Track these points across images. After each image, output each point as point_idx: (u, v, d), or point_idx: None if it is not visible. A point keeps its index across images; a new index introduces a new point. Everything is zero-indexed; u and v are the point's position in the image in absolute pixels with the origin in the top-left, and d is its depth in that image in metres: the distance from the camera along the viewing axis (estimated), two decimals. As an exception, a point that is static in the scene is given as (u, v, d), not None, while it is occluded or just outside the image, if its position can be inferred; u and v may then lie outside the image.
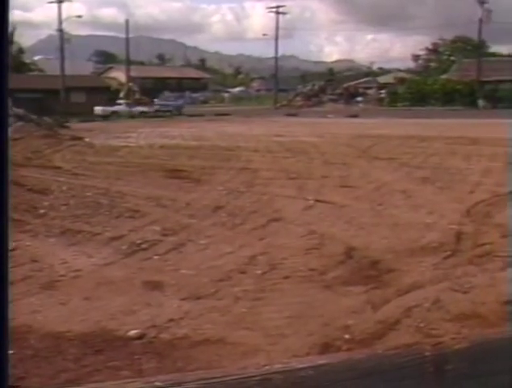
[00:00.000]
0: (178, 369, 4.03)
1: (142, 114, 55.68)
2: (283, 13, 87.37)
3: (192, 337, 4.66)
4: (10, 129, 1.70)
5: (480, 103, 73.58)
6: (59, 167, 15.13)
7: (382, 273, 6.27)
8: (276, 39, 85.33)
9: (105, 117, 51.23)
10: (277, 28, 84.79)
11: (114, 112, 55.29)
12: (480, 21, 77.60)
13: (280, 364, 3.67)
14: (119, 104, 59.39)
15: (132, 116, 51.90)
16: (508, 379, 3.56)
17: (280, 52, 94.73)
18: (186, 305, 5.39)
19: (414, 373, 3.52)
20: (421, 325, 4.84)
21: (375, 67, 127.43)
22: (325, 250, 7.22)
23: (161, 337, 4.66)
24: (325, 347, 4.41)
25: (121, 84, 72.91)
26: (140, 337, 4.64)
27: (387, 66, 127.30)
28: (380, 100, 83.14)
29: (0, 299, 1.32)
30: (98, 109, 56.08)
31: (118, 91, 67.21)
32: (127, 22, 74.18)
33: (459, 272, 6.28)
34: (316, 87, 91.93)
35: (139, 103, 60.76)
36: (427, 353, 3.62)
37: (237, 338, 4.64)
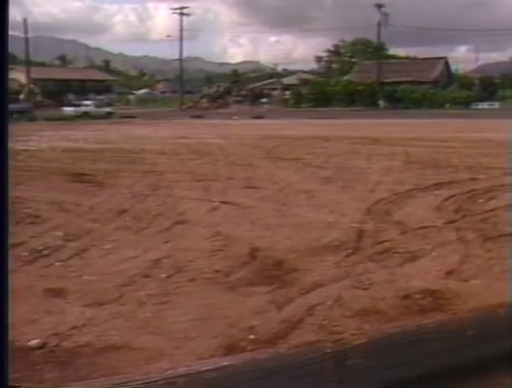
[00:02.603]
0: (82, 378, 3.96)
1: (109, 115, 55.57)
2: (187, 14, 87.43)
3: (96, 344, 4.59)
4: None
5: (381, 103, 75.82)
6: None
7: (285, 273, 6.36)
8: (180, 40, 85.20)
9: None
10: (181, 30, 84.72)
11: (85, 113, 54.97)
12: (379, 24, 79.84)
13: (184, 367, 3.69)
14: (87, 105, 58.72)
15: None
16: (403, 371, 3.71)
17: (185, 54, 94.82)
18: (89, 311, 5.30)
19: (316, 370, 3.62)
20: (324, 323, 4.95)
21: (279, 68, 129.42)
22: (229, 251, 7.26)
23: (63, 345, 4.57)
24: (230, 349, 4.44)
25: (22, 85, 70.97)
26: (41, 347, 4.53)
27: (291, 68, 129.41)
28: (285, 101, 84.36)
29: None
30: (68, 110, 55.10)
31: (18, 93, 65.47)
32: (25, 21, 72.26)
33: (359, 270, 6.45)
34: (221, 89, 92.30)
35: (40, 105, 59.56)
36: (328, 350, 3.73)
37: (142, 343, 4.61)
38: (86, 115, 53.56)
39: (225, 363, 3.53)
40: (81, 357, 4.37)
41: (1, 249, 1.23)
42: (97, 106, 60.07)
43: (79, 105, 59.08)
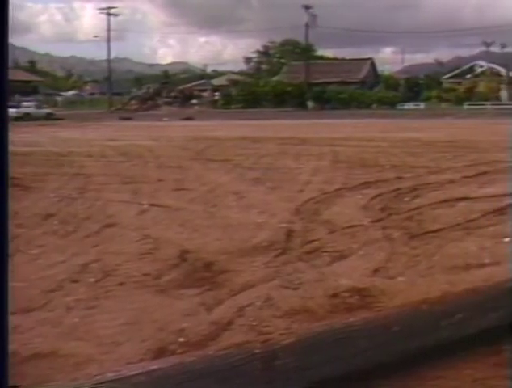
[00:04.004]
0: None
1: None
2: (115, 14, 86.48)
3: (22, 352, 4.48)
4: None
5: (310, 104, 76.75)
6: None
7: (215, 274, 6.35)
8: (108, 41, 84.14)
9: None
10: (108, 30, 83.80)
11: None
12: (307, 25, 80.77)
13: (112, 372, 3.66)
14: (28, 106, 57.59)
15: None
16: (332, 369, 3.77)
17: (113, 55, 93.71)
18: (15, 319, 5.16)
19: (245, 371, 3.64)
20: (254, 323, 4.97)
21: (209, 69, 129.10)
22: (159, 254, 7.21)
23: (-13, 355, 4.46)
24: (160, 352, 4.42)
25: None
26: (-36, 357, 4.41)
27: (220, 68, 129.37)
28: (215, 102, 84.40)
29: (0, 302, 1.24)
30: (11, 111, 53.48)
31: None
32: None
33: (289, 269, 6.51)
34: (151, 90, 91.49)
35: None
36: (257, 351, 3.76)
37: (70, 349, 4.53)
38: (27, 117, 52.70)
39: (154, 367, 3.52)
40: (7, 366, 4.27)
41: (1, 249, 1.21)
42: (37, 107, 59.42)
43: (19, 106, 58.15)
